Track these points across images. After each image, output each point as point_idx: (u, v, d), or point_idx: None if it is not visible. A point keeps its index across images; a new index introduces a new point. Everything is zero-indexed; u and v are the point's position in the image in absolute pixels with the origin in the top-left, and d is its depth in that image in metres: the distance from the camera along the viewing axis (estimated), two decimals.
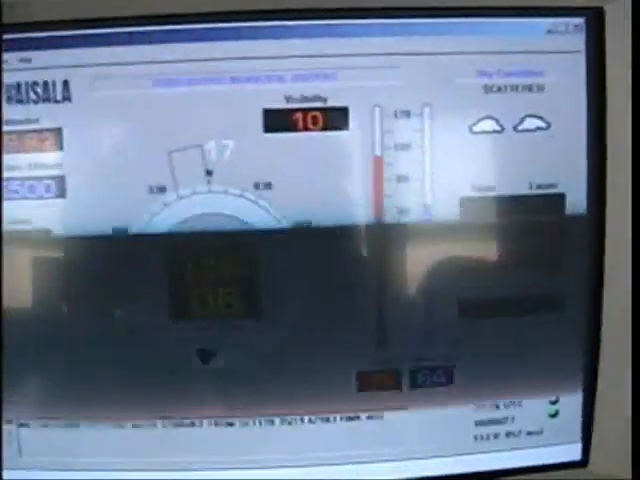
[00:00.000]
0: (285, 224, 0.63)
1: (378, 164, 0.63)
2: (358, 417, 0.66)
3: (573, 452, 0.69)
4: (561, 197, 0.65)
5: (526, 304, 0.66)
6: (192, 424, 0.65)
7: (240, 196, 0.63)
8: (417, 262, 0.65)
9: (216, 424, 0.65)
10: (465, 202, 0.64)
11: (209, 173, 0.62)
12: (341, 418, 0.66)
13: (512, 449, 0.68)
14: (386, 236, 0.64)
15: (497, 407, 0.67)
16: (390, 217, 0.63)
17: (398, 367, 0.66)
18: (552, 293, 0.66)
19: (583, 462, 0.68)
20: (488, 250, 0.65)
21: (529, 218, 0.65)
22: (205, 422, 0.65)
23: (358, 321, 0.64)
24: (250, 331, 0.64)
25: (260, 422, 0.66)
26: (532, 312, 0.66)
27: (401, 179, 0.63)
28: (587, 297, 0.66)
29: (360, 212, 0.63)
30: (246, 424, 0.66)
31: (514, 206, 0.65)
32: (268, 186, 0.62)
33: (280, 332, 0.64)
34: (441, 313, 0.65)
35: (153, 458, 0.65)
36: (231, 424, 0.66)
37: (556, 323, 0.66)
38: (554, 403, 0.68)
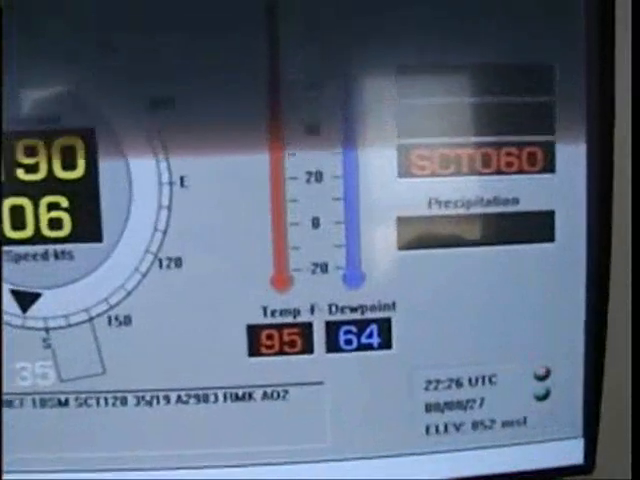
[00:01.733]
0: None
1: None
2: (250, 395, 0.45)
3: (572, 452, 0.46)
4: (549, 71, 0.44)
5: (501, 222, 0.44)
6: None
7: None
8: None
9: None
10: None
11: None
12: (225, 396, 0.45)
13: (481, 447, 0.46)
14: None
15: (458, 383, 0.46)
16: None
17: (308, 319, 0.44)
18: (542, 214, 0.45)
19: (587, 467, 0.46)
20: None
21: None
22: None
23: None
24: (89, 261, 0.43)
25: (106, 401, 0.45)
26: (510, 237, 0.44)
27: None
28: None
29: None
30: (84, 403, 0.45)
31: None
32: None
33: (135, 257, 0.43)
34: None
35: None
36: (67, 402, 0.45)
37: (544, 251, 0.45)
38: (543, 379, 0.46)
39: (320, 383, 0.45)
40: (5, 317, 0.44)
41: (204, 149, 0.43)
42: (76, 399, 0.45)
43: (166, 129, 0.43)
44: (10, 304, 0.44)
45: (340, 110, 0.43)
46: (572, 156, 0.45)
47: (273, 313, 0.44)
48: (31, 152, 0.43)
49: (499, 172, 0.44)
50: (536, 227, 0.45)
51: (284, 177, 0.43)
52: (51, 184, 0.43)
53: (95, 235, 0.43)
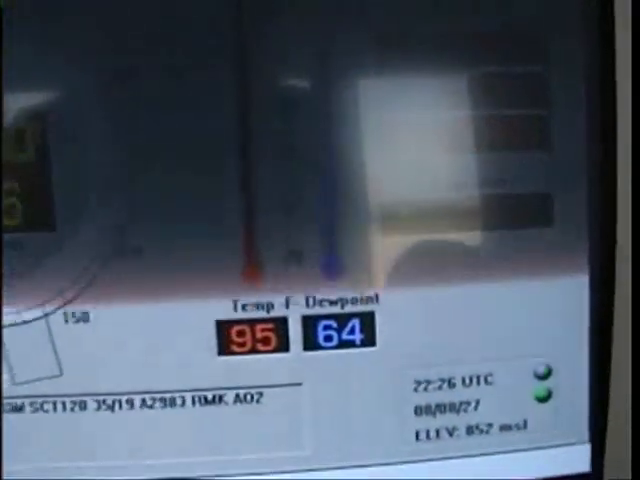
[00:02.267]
0: None
1: None
2: (221, 398, 0.41)
3: (577, 459, 0.42)
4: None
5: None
6: None
7: None
8: None
9: None
10: None
11: None
12: (193, 400, 0.41)
13: (476, 454, 0.42)
14: None
15: (450, 384, 0.41)
16: None
17: (283, 313, 0.40)
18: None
19: (594, 475, 0.42)
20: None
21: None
22: None
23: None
24: (41, 252, 0.40)
25: (63, 406, 0.41)
26: (504, 221, 0.41)
27: None
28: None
29: None
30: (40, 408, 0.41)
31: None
32: None
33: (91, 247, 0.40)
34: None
35: None
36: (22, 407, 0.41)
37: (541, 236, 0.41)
38: (544, 378, 0.42)
39: (298, 384, 0.41)
40: None
41: (161, 133, 0.39)
42: (31, 404, 0.41)
43: (122, 108, 0.39)
44: None
45: None
46: (569, 132, 0.41)
47: (244, 307, 0.40)
48: None
49: (490, 149, 0.40)
50: (532, 210, 0.41)
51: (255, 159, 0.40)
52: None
53: (47, 223, 0.40)
